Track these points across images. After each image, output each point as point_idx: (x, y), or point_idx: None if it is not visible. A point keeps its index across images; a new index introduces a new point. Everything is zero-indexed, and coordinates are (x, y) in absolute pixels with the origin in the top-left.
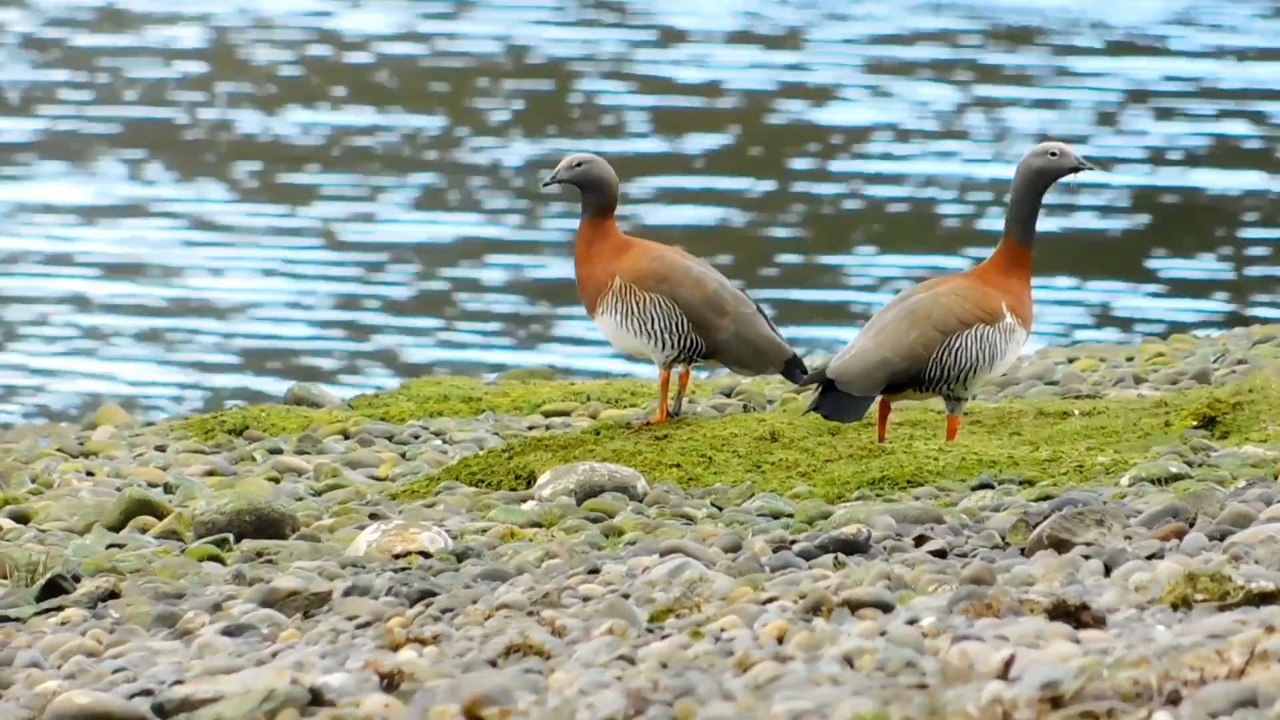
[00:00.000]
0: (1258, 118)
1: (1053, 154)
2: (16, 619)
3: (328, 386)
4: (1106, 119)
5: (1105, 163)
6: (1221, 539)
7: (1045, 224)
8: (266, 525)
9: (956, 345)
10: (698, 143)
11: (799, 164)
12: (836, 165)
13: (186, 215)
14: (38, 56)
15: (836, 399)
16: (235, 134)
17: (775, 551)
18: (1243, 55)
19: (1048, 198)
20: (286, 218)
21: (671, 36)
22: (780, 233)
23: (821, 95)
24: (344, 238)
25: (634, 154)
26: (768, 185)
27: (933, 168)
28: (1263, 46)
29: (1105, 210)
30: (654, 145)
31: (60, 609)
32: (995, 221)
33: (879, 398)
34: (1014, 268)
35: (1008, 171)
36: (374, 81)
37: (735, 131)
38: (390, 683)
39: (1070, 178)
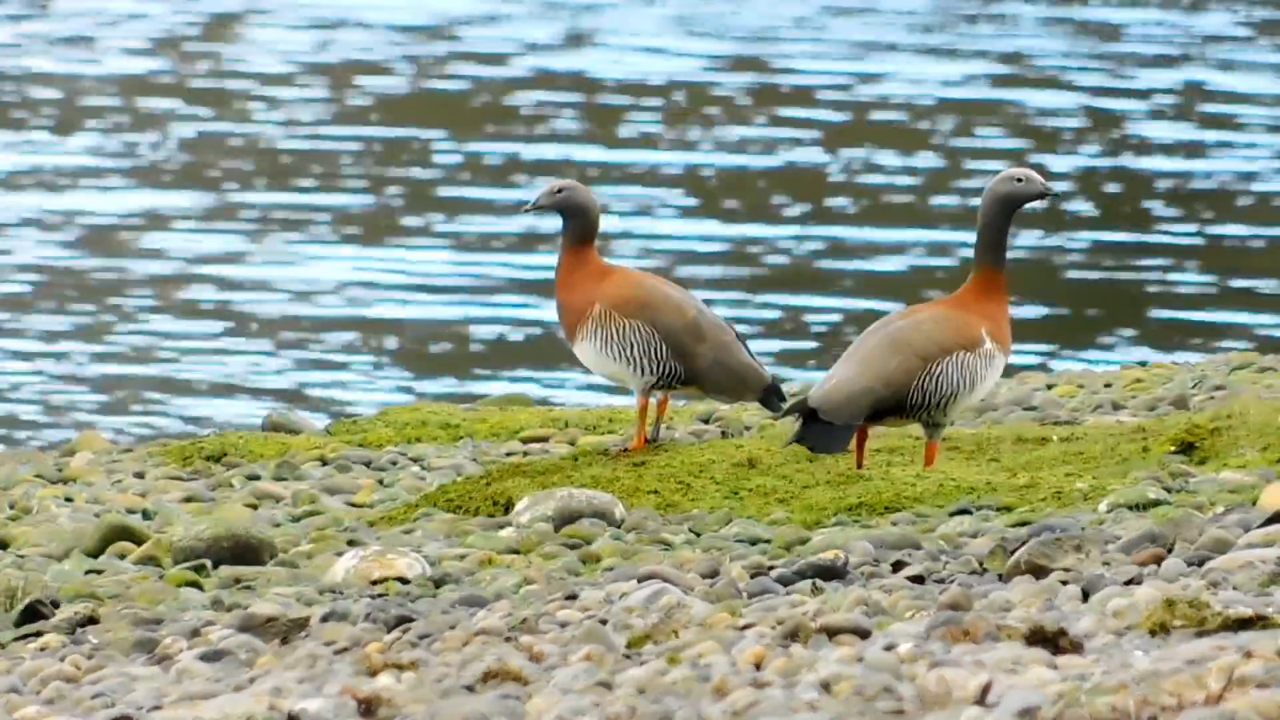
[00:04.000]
0: None
1: (1019, 180)
2: None
3: (306, 413)
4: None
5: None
6: (1200, 565)
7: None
8: (245, 551)
9: (938, 372)
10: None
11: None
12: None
13: (167, 236)
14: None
15: (819, 430)
16: (218, 147)
17: (753, 577)
18: None
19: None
20: (264, 242)
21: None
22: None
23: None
24: (323, 264)
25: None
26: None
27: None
28: None
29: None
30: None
31: (39, 634)
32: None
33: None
34: (990, 292)
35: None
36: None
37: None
38: (368, 708)
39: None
